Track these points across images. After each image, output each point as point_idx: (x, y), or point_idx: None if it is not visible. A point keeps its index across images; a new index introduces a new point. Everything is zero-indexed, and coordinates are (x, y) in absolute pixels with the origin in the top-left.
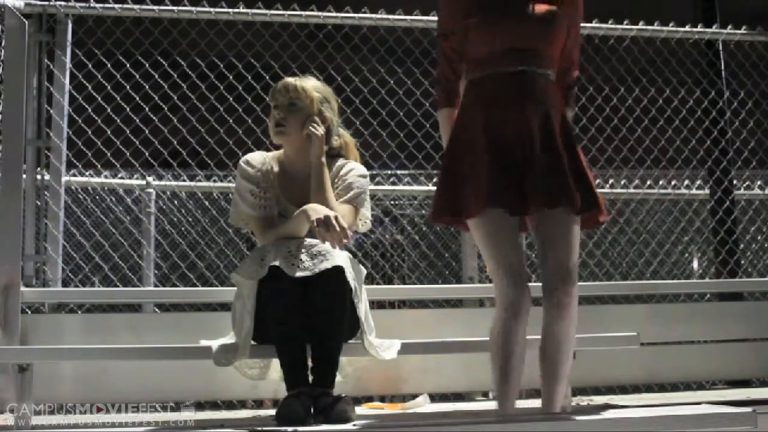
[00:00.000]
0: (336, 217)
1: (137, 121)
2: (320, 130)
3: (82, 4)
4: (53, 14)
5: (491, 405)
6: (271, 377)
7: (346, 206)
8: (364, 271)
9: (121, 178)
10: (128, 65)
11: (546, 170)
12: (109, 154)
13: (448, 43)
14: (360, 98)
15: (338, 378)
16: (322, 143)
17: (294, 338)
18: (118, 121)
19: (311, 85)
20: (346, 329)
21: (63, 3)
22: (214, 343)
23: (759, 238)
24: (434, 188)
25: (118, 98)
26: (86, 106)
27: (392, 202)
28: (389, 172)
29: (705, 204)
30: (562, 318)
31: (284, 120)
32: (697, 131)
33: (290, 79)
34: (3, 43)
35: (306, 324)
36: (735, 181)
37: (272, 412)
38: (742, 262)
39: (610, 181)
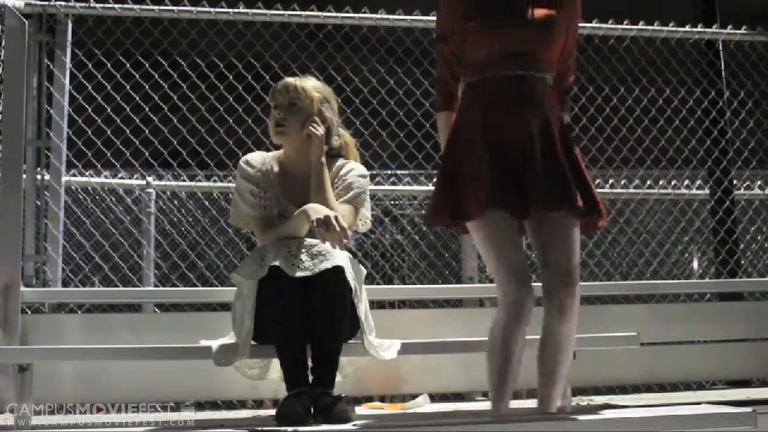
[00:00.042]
0: (336, 217)
1: (137, 121)
2: (320, 130)
3: (82, 4)
4: (53, 14)
5: (491, 405)
6: (271, 377)
7: (346, 206)
8: (364, 271)
9: (121, 178)
10: (128, 65)
11: (547, 173)
12: (109, 154)
13: (447, 46)
14: (360, 98)
15: (338, 378)
16: (322, 143)
17: (294, 338)
18: (118, 121)
19: (311, 85)
20: (346, 329)
21: (63, 3)
22: (214, 343)
23: (759, 238)
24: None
25: (118, 98)
26: (86, 106)
27: (392, 202)
28: (389, 172)
29: (705, 204)
30: (564, 320)
31: (284, 120)
32: (697, 131)
33: (290, 79)
34: (3, 43)
35: (306, 324)
36: (735, 181)
37: (272, 412)
38: (742, 262)
39: (610, 181)
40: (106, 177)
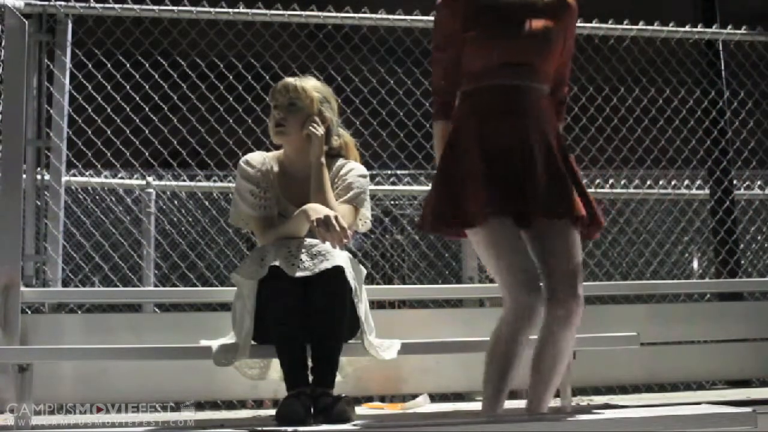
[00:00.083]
0: (336, 217)
1: (137, 121)
2: (320, 130)
3: (82, 4)
4: (53, 14)
5: (484, 405)
6: (271, 377)
7: (346, 206)
8: (364, 271)
9: (121, 178)
10: (128, 65)
11: (547, 181)
12: (109, 154)
13: (445, 54)
14: (360, 98)
15: (338, 378)
16: (322, 143)
17: (294, 338)
18: (118, 121)
19: (311, 85)
20: (346, 329)
21: (63, 3)
22: (214, 343)
23: (759, 238)
24: None
25: (118, 98)
26: (86, 106)
27: (392, 202)
28: (389, 172)
29: (705, 204)
30: (569, 325)
31: (284, 120)
32: (697, 131)
33: (290, 79)
34: (3, 43)
35: (306, 324)
36: (735, 181)
37: (272, 412)
38: (742, 262)
39: (610, 181)
40: (106, 177)
